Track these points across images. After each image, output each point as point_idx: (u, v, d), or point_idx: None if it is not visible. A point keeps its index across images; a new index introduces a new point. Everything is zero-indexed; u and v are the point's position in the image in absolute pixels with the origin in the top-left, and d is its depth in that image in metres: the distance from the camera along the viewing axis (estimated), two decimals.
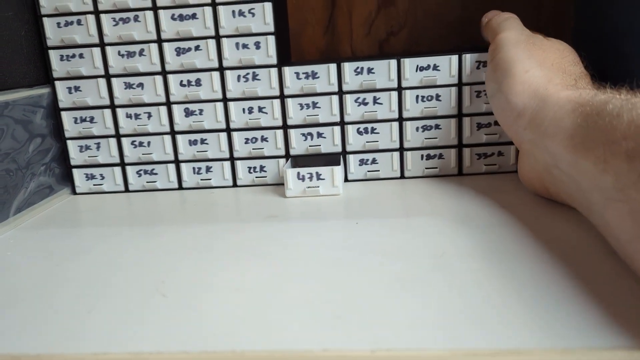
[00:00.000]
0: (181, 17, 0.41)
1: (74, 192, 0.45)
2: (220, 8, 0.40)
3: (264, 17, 0.40)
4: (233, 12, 0.41)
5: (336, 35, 0.56)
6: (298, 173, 0.39)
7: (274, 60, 0.41)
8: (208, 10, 0.41)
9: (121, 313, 0.24)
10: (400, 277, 0.25)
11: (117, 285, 0.27)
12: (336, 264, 0.27)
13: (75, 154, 0.44)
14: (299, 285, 0.25)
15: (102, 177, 0.45)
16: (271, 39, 0.41)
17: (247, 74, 0.42)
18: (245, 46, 0.41)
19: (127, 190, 0.45)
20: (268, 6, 0.40)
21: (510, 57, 0.34)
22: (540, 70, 0.33)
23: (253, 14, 0.41)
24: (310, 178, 0.39)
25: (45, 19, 0.42)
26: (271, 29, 0.41)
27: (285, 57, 0.48)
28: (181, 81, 0.42)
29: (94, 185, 0.45)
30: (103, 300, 0.25)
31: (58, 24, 0.42)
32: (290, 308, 0.23)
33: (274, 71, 0.41)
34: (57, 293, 0.27)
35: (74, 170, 0.45)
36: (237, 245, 0.31)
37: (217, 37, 0.41)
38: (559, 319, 0.21)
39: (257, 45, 0.41)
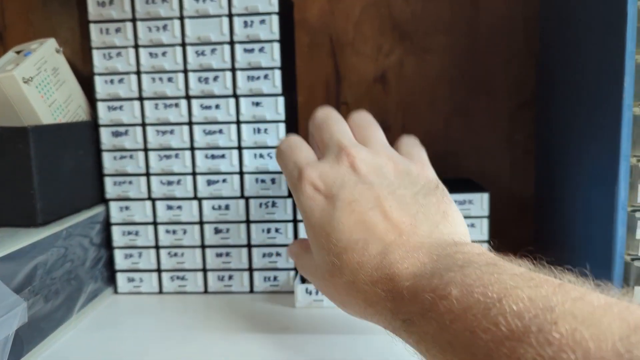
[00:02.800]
0: (212, 157, 0.51)
1: (116, 292, 0.54)
2: (245, 151, 0.51)
3: None
4: (255, 154, 0.51)
5: None
6: (306, 288, 0.48)
7: (286, 193, 0.51)
8: (235, 152, 0.51)
9: None
10: None
11: None
12: None
13: (120, 261, 0.53)
14: None
15: (141, 281, 0.53)
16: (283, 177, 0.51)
17: (268, 202, 0.51)
18: (262, 181, 0.51)
19: (160, 292, 0.53)
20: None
21: None
22: None
23: (271, 157, 0.51)
24: (317, 293, 0.48)
25: (104, 153, 0.52)
26: None
27: None
28: (213, 205, 0.52)
29: (134, 287, 0.54)
30: None
31: (114, 157, 0.52)
32: None
33: (289, 201, 0.51)
34: None
35: (118, 274, 0.53)
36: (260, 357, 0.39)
37: (241, 173, 0.51)
38: None
39: (273, 181, 0.51)
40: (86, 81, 0.54)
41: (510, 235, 0.66)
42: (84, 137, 0.50)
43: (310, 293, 0.48)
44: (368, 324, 0.46)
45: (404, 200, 0.32)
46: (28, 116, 0.45)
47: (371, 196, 0.32)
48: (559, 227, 0.51)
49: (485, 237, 0.50)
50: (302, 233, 0.51)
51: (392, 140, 0.68)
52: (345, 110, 0.66)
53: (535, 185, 0.59)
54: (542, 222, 0.58)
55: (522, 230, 0.65)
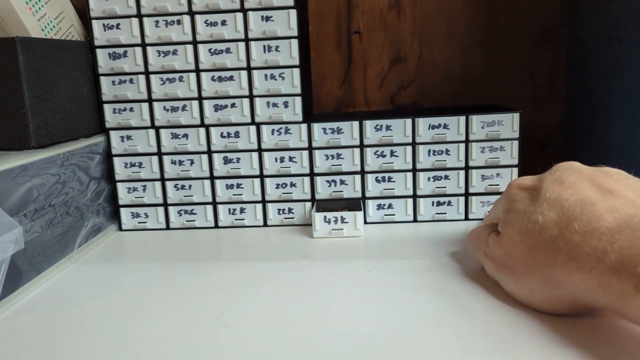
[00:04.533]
0: (220, 79, 0.47)
1: (120, 229, 0.50)
2: (254, 72, 0.46)
3: (292, 80, 0.46)
4: (265, 75, 0.47)
5: (352, 88, 0.63)
6: (325, 216, 0.45)
7: (300, 118, 0.47)
8: (244, 73, 0.47)
9: (195, 339, 0.29)
10: (420, 313, 0.31)
11: (184, 315, 0.32)
12: (361, 300, 0.33)
13: (123, 195, 0.50)
14: (336, 318, 0.31)
15: (147, 216, 0.50)
16: (298, 100, 0.47)
17: (280, 128, 0.47)
18: (275, 105, 0.47)
19: (168, 228, 0.50)
20: (296, 71, 0.46)
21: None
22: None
23: (283, 77, 0.47)
24: (336, 221, 0.45)
25: (102, 78, 0.48)
26: (298, 90, 0.47)
27: (309, 111, 0.54)
28: (221, 133, 0.48)
29: (139, 222, 0.50)
30: (176, 328, 0.30)
31: (113, 82, 0.48)
32: (332, 337, 0.28)
33: (303, 126, 0.47)
34: (134, 321, 0.32)
35: (122, 209, 0.50)
36: (279, 282, 0.36)
37: (251, 97, 0.47)
38: None
39: (286, 104, 0.47)
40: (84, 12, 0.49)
41: (531, 168, 0.62)
42: (78, 58, 0.46)
43: (329, 222, 0.45)
44: (380, 250, 0.43)
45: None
46: (15, 29, 0.40)
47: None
48: (594, 155, 0.48)
49: (516, 161, 0.47)
50: (319, 161, 0.48)
51: (410, 74, 0.64)
52: (357, 41, 0.61)
53: (566, 111, 0.56)
54: (572, 151, 0.54)
55: (545, 164, 0.62)
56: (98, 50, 0.47)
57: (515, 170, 0.47)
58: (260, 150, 0.48)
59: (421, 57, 0.62)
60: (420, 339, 0.28)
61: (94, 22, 0.47)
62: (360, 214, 0.45)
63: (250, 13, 0.45)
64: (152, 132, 0.48)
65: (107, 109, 0.48)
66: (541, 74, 0.60)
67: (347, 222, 0.45)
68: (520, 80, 0.61)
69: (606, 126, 0.45)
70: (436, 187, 0.48)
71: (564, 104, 0.56)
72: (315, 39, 0.62)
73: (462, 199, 0.48)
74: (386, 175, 0.48)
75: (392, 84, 0.62)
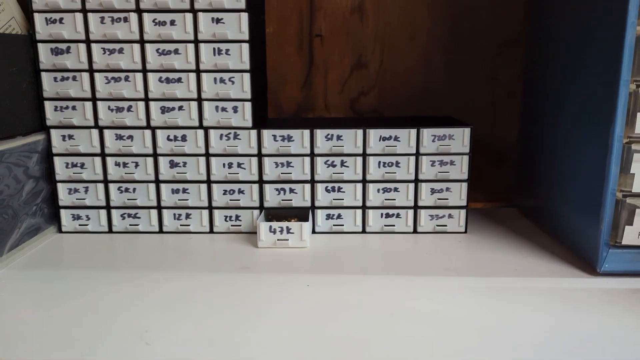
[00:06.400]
0: (168, 80, 0.45)
1: (60, 231, 0.49)
2: (203, 75, 0.45)
3: (242, 85, 0.45)
4: (215, 79, 0.45)
5: (312, 92, 0.61)
6: (270, 226, 0.44)
7: (250, 124, 0.46)
8: (192, 75, 0.45)
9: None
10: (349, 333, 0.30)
11: (105, 332, 0.31)
12: (294, 318, 0.32)
13: (64, 196, 0.48)
14: (267, 333, 0.30)
15: (88, 218, 0.48)
16: (248, 105, 0.46)
17: (229, 133, 0.46)
18: (224, 109, 0.46)
19: (110, 231, 0.48)
20: (246, 76, 0.45)
21: None
22: None
23: (233, 82, 0.45)
24: (281, 232, 0.44)
25: (43, 74, 0.46)
26: (248, 96, 0.46)
27: (263, 115, 0.52)
28: (168, 136, 0.46)
29: (80, 225, 0.48)
30: (93, 347, 0.29)
31: (55, 78, 0.46)
32: (258, 352, 0.27)
33: (253, 132, 0.46)
34: (50, 338, 0.30)
35: (62, 211, 0.48)
36: (213, 297, 0.35)
37: (199, 100, 0.46)
38: None
39: (235, 109, 0.46)
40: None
41: (489, 179, 0.63)
42: (17, 53, 0.44)
43: (274, 232, 0.44)
44: (324, 263, 0.43)
45: None
46: None
47: None
48: (545, 170, 0.48)
49: (465, 175, 0.46)
50: (268, 168, 0.47)
51: (371, 80, 0.64)
52: (319, 44, 0.60)
53: (520, 125, 0.55)
54: (525, 166, 0.54)
55: (502, 176, 0.62)
56: (40, 45, 0.45)
57: (465, 185, 0.47)
58: (207, 155, 0.47)
59: (382, 64, 0.61)
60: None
61: (36, 15, 0.45)
62: (306, 224, 0.44)
63: (200, 14, 0.44)
64: (95, 132, 0.47)
65: (48, 106, 0.46)
66: (501, 87, 0.60)
67: (292, 233, 0.44)
68: (480, 92, 0.61)
69: (558, 138, 0.45)
70: (385, 199, 0.47)
71: (519, 118, 0.56)
72: (276, 41, 0.60)
73: (410, 211, 0.47)
74: (336, 185, 0.47)
75: (352, 89, 0.61)
